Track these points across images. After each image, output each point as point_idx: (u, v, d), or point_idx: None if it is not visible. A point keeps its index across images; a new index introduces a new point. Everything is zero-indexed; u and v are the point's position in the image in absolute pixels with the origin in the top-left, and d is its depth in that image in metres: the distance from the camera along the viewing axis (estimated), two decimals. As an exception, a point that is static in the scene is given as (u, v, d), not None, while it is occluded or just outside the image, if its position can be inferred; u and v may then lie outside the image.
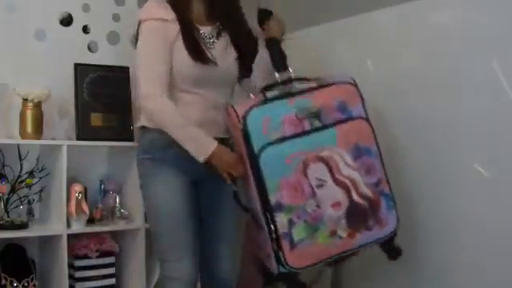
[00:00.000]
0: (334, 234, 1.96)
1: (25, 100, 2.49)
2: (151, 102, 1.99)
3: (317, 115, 1.98)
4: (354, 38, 2.62)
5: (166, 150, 2.03)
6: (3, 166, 2.55)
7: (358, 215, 1.98)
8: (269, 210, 1.92)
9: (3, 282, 2.36)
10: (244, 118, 1.93)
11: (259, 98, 1.99)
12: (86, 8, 2.79)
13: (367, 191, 1.99)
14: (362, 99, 2.06)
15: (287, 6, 2.81)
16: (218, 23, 2.13)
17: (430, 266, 2.31)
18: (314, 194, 1.94)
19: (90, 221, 2.59)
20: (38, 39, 2.69)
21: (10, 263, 2.43)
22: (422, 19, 2.35)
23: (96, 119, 2.66)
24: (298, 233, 1.93)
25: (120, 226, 2.64)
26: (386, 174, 2.05)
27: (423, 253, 2.33)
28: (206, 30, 2.10)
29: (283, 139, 1.93)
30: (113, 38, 2.88)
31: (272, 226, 1.92)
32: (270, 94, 2.01)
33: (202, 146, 1.96)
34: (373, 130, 2.04)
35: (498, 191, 2.10)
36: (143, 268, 2.63)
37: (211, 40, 2.10)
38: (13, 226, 2.43)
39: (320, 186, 1.95)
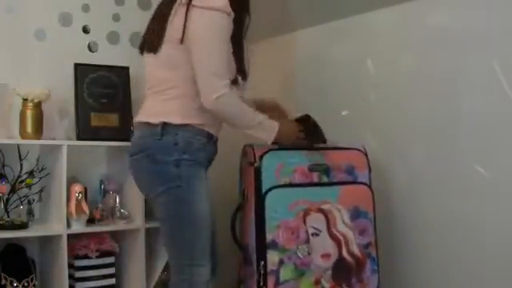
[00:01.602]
0: (318, 283, 2.12)
1: (25, 100, 2.49)
2: (226, 95, 1.94)
3: (326, 172, 2.17)
4: (353, 38, 2.62)
5: (200, 152, 2.03)
6: (3, 165, 2.55)
7: (344, 271, 2.13)
8: (263, 246, 2.07)
9: (3, 281, 2.36)
10: (261, 157, 2.10)
11: (277, 146, 2.14)
12: (85, 8, 2.80)
13: (357, 251, 2.16)
14: (369, 168, 2.24)
15: (288, 7, 2.82)
16: None
17: (428, 267, 2.30)
18: (307, 241, 2.10)
19: (90, 221, 2.58)
20: (38, 39, 2.69)
21: (10, 263, 2.43)
22: (422, 19, 2.35)
23: (96, 119, 2.66)
24: (286, 273, 2.07)
25: (120, 226, 2.64)
26: (377, 240, 2.21)
27: (422, 253, 2.33)
28: None
29: (291, 185, 2.11)
30: (113, 37, 2.88)
31: (262, 262, 2.06)
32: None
33: (269, 130, 2.04)
34: (373, 197, 2.21)
35: (498, 192, 2.10)
36: (143, 268, 2.63)
37: None
38: (13, 226, 2.42)
39: (315, 234, 2.12)
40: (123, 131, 2.70)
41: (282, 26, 2.74)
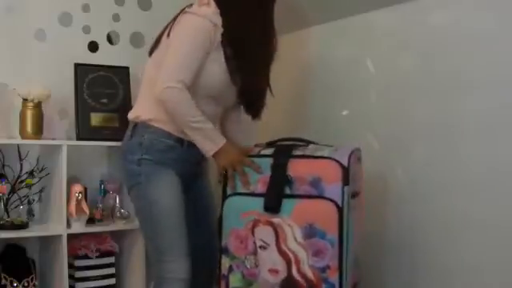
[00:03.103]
0: None
1: (25, 100, 2.49)
2: (176, 89, 1.98)
3: (289, 183, 1.98)
4: (354, 37, 2.62)
5: (165, 153, 2.10)
6: (3, 165, 2.55)
7: None
8: (220, 250, 2.07)
9: (3, 282, 2.36)
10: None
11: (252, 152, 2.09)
12: (85, 8, 2.79)
13: (309, 272, 1.95)
14: (345, 182, 1.93)
15: (288, 6, 2.82)
16: None
17: (429, 267, 2.30)
18: (255, 253, 2.01)
19: (90, 221, 2.59)
20: (37, 39, 2.69)
21: (10, 263, 2.43)
22: (422, 19, 2.34)
23: (96, 119, 2.67)
24: (234, 280, 2.04)
25: (120, 226, 2.64)
26: (342, 266, 1.93)
27: (423, 254, 2.33)
28: None
29: (250, 194, 2.02)
30: (113, 38, 2.88)
31: (218, 265, 2.07)
32: (263, 150, 2.09)
33: (212, 142, 2.04)
34: (341, 216, 1.92)
35: (498, 192, 2.10)
36: (143, 268, 2.63)
37: None
38: (13, 226, 2.43)
39: (263, 247, 2.00)
40: (123, 131, 2.68)
41: (282, 25, 2.73)
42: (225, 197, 2.06)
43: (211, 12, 2.06)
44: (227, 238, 2.05)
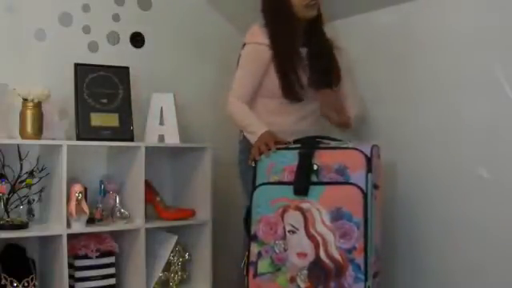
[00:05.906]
0: (293, 280, 2.10)
1: (25, 100, 2.49)
2: (230, 104, 2.44)
3: (316, 171, 2.11)
4: (354, 37, 2.62)
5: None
6: (3, 166, 2.55)
7: (321, 272, 2.06)
8: (249, 238, 2.19)
9: (3, 281, 2.36)
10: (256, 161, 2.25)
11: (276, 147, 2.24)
12: (85, 8, 2.80)
13: (336, 254, 2.05)
14: (369, 169, 2.06)
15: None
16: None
17: (430, 268, 2.31)
18: (284, 237, 2.12)
19: (90, 221, 2.59)
20: (37, 39, 2.69)
21: (10, 263, 2.43)
22: (423, 19, 2.35)
23: (96, 119, 2.66)
24: (263, 266, 2.15)
25: (120, 226, 2.64)
26: (367, 246, 2.02)
27: (423, 254, 2.33)
28: (303, 51, 2.42)
29: (278, 183, 2.16)
30: (113, 38, 2.88)
31: (247, 253, 2.18)
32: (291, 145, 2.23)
33: (254, 134, 2.33)
34: (365, 200, 2.03)
35: (498, 192, 2.10)
36: (143, 268, 2.63)
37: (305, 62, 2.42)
38: (13, 226, 2.42)
39: (292, 231, 2.12)
40: (123, 131, 2.70)
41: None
42: (254, 187, 2.19)
43: (258, 34, 2.40)
44: (257, 225, 2.17)
